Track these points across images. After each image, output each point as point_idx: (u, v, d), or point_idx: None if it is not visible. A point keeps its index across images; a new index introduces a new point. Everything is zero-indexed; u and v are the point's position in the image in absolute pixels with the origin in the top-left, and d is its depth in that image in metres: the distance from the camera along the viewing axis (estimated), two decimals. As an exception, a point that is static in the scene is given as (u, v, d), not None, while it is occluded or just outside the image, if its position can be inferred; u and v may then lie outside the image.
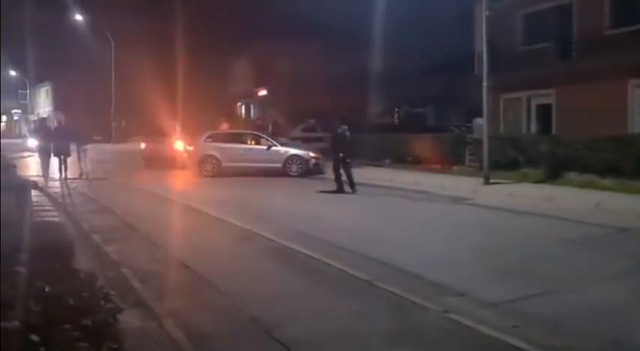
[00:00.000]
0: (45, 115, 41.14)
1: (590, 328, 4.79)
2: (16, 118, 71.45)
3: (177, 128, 22.68)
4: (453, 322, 4.84)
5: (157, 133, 22.62)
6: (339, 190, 13.73)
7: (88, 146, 18.75)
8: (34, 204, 10.03)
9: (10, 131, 70.13)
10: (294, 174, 17.99)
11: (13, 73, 61.42)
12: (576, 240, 8.37)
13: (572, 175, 14.69)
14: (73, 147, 17.67)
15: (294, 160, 18.26)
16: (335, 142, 14.41)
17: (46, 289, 3.15)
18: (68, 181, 16.76)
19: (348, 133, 14.38)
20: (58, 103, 57.51)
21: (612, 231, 9.07)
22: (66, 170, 17.21)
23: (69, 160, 17.40)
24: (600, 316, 5.09)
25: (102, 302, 3.32)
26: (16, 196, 6.27)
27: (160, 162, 21.01)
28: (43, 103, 65.25)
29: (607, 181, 13.61)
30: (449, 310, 5.06)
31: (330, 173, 18.35)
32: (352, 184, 13.74)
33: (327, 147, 14.78)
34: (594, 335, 4.64)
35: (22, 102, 67.46)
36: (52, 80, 59.56)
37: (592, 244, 8.15)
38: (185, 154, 19.60)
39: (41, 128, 18.39)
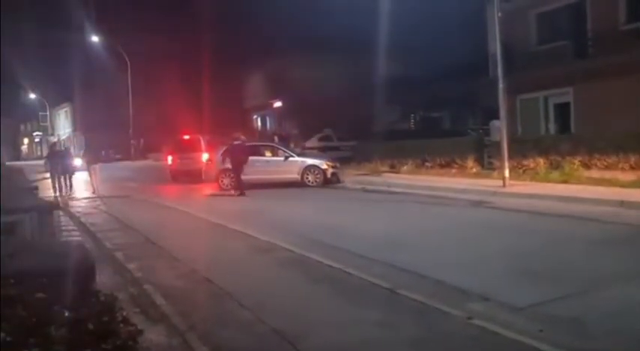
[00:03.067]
0: (55, 139, 42.15)
1: (619, 330, 4.67)
2: (37, 140, 72.74)
3: (203, 142, 22.83)
4: (478, 328, 4.76)
5: (182, 148, 22.85)
6: (241, 193, 16.50)
7: (97, 166, 20.87)
8: (56, 224, 10.15)
9: (32, 153, 71.48)
10: (312, 184, 17.97)
11: (33, 95, 62.61)
12: (601, 240, 8.22)
13: (595, 174, 14.47)
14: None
15: (312, 170, 18.24)
16: (231, 152, 17.38)
17: (66, 314, 3.16)
18: (74, 198, 18.28)
19: (245, 145, 18.05)
20: (78, 124, 58.49)
21: (638, 229, 8.89)
22: (71, 188, 19.69)
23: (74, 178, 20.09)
24: (629, 317, 4.96)
25: (121, 325, 3.32)
26: (38, 218, 6.34)
27: (186, 175, 21.37)
28: (63, 125, 66.37)
29: (631, 179, 13.37)
30: (474, 316, 4.99)
31: (347, 182, 18.42)
32: (237, 187, 16.79)
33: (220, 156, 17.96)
34: (623, 337, 4.53)
35: (42, 124, 68.66)
36: (71, 102, 60.60)
37: (618, 244, 7.98)
38: (204, 168, 19.78)
39: (50, 152, 22.20)
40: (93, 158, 21.48)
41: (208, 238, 10.27)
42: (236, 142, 17.95)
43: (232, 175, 17.28)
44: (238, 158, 17.14)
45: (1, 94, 42.95)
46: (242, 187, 16.63)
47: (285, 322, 5.10)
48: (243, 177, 18.16)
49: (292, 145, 26.30)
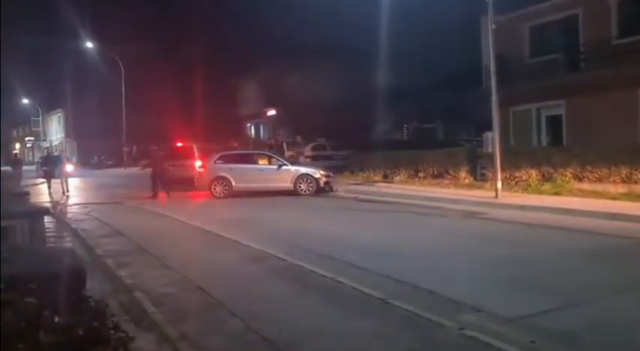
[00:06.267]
0: (47, 145, 42.41)
1: (609, 342, 4.68)
2: (29, 145, 72.36)
3: (196, 149, 22.75)
4: (470, 338, 4.75)
5: (175, 155, 22.76)
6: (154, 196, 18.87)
7: (68, 171, 22.99)
8: (47, 230, 10.07)
9: (24, 158, 71.01)
10: (305, 193, 17.95)
11: (25, 100, 62.34)
12: (593, 252, 8.25)
13: (587, 186, 14.55)
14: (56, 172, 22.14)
15: (305, 179, 18.23)
16: (154, 161, 20.25)
17: (56, 320, 3.12)
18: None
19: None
20: (70, 130, 58.27)
21: (630, 242, 8.94)
22: (49, 188, 21.65)
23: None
24: (620, 329, 4.98)
25: (112, 331, 3.29)
26: (28, 224, 6.29)
27: (179, 183, 21.28)
28: (56, 130, 66.10)
29: (622, 192, 13.46)
30: (466, 327, 4.97)
31: (340, 191, 18.42)
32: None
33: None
34: (614, 350, 4.53)
35: (34, 129, 68.34)
36: (64, 107, 60.41)
37: (610, 256, 8.02)
38: (196, 176, 19.72)
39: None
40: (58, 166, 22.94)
41: (200, 245, 10.22)
42: (157, 153, 21.05)
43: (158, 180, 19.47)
44: (160, 166, 19.69)
45: (1, 99, 42.87)
46: (157, 191, 18.99)
47: (277, 332, 5.07)
48: (237, 185, 18.28)
49: (295, 153, 26.44)
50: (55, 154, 38.67)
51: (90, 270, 6.45)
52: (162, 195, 18.94)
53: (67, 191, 21.45)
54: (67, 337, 3.01)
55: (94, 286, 6.10)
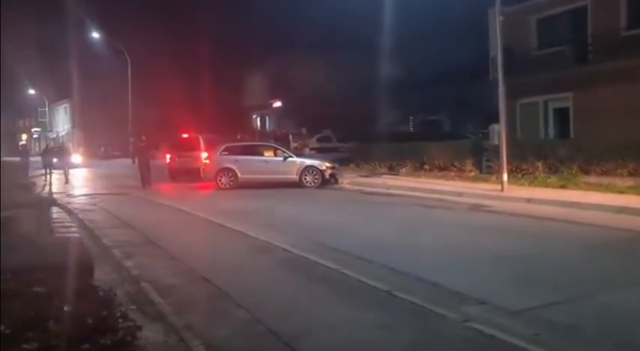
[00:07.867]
0: (54, 135, 42.76)
1: (615, 336, 4.69)
2: (35, 136, 72.54)
3: (202, 140, 22.77)
4: (474, 331, 4.77)
5: (181, 147, 22.84)
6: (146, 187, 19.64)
7: (70, 160, 25.05)
8: (54, 220, 10.15)
9: (30, 149, 71.18)
10: (310, 185, 17.95)
11: (32, 91, 62.43)
12: (599, 245, 8.23)
13: (593, 180, 14.50)
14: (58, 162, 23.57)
15: (310, 171, 18.22)
16: (139, 153, 21.20)
17: (65, 309, 3.16)
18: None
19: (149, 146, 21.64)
20: (77, 121, 58.36)
21: (636, 236, 8.91)
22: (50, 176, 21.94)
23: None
24: (625, 323, 4.97)
25: (120, 320, 3.33)
26: (35, 214, 6.34)
27: (185, 174, 21.41)
28: (62, 121, 66.22)
29: (629, 185, 13.41)
30: (470, 319, 4.99)
31: (346, 184, 18.43)
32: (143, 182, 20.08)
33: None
34: (620, 343, 4.54)
35: (41, 120, 68.48)
36: (70, 98, 60.43)
37: (616, 249, 8.00)
38: (202, 167, 19.80)
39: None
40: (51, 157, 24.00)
41: (206, 237, 10.27)
42: (142, 144, 21.60)
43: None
44: (145, 158, 20.31)
45: (1, 92, 43.13)
46: (145, 182, 19.73)
47: (282, 323, 5.11)
48: (243, 176, 18.34)
49: (300, 145, 26.51)
50: (59, 144, 38.98)
51: (97, 260, 6.52)
52: (146, 186, 19.59)
53: (68, 182, 22.35)
54: (76, 326, 3.05)
55: (101, 277, 6.16)
